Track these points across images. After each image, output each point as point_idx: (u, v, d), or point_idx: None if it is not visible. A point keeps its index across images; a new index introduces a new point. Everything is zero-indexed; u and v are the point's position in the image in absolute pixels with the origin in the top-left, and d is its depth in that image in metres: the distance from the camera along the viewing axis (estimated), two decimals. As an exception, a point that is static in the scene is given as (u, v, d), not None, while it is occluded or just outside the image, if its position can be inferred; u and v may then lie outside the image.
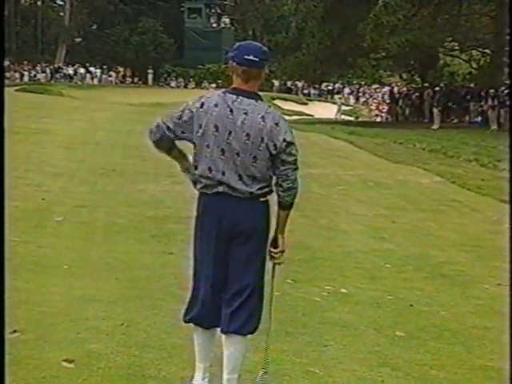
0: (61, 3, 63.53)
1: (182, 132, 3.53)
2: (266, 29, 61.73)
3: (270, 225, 3.69)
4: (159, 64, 57.58)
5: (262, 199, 3.58)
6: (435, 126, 27.44)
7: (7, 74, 50.83)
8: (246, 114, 3.46)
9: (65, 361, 3.97)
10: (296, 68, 34.74)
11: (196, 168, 3.58)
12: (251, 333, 3.64)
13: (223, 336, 3.62)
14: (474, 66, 34.89)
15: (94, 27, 63.33)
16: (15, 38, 59.00)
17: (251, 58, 3.44)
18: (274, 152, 3.49)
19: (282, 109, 45.27)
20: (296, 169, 3.63)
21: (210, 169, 3.50)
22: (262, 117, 3.46)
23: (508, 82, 25.99)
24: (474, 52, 34.62)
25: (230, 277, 3.57)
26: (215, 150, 3.47)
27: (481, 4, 29.54)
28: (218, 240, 3.55)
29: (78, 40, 63.02)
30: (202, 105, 3.50)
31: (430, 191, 11.94)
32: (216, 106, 3.47)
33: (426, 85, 33.15)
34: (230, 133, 3.45)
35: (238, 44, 3.57)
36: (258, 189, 3.53)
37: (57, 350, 4.12)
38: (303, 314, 5.17)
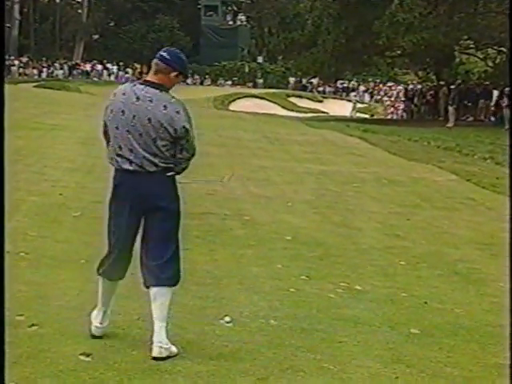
0: (79, 0, 63.74)
1: (104, 118, 4.19)
2: (282, 26, 61.37)
3: (178, 195, 4.26)
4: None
5: (168, 173, 4.11)
6: (450, 124, 27.29)
7: (26, 71, 51.20)
8: (150, 101, 4.01)
9: (82, 354, 3.99)
10: (311, 65, 34.61)
11: (109, 147, 4.16)
12: (175, 285, 4.16)
13: (152, 290, 4.09)
14: (490, 64, 34.64)
15: (112, 24, 63.50)
16: (34, 35, 59.32)
17: (164, 54, 4.11)
18: (174, 135, 4.02)
19: (298, 106, 45.40)
20: (189, 160, 4.22)
21: (120, 147, 4.05)
22: (165, 105, 4.01)
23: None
24: (489, 50, 34.35)
25: (151, 242, 4.12)
26: (123, 132, 4.03)
27: (497, 2, 29.28)
28: (130, 210, 4.06)
29: (96, 37, 63.23)
30: (115, 94, 4.13)
31: (444, 189, 11.89)
32: (124, 94, 4.08)
33: (441, 83, 32.97)
34: (134, 116, 4.00)
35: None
36: (163, 163, 4.05)
37: (74, 343, 4.14)
38: (318, 310, 5.16)
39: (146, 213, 4.10)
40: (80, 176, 10.36)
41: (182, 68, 4.14)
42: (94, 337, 4.26)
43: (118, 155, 4.06)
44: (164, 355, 4.00)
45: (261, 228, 7.98)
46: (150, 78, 4.13)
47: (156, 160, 4.02)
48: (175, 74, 4.10)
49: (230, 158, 14.07)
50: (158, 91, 4.03)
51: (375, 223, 8.76)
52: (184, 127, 4.03)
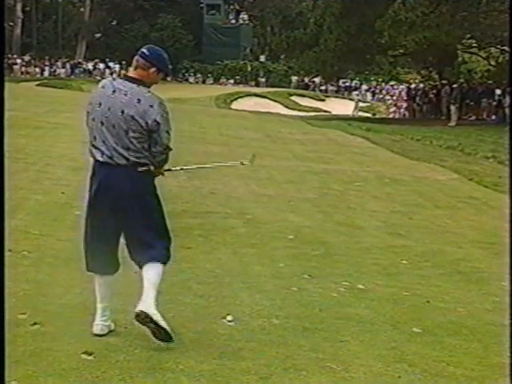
0: (81, -1, 63.77)
1: (87, 110, 4.30)
2: (285, 25, 61.61)
3: (154, 189, 4.25)
4: (178, 60, 57.50)
5: (140, 168, 4.14)
6: (452, 123, 27.27)
7: (28, 69, 51.23)
8: (125, 94, 4.12)
9: (84, 353, 3.99)
10: (313, 64, 34.59)
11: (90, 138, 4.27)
12: (165, 262, 4.23)
13: (144, 267, 4.19)
14: (493, 63, 34.59)
15: (114, 23, 63.45)
16: (36, 33, 59.34)
17: (144, 51, 4.20)
18: (145, 128, 4.10)
19: (300, 105, 45.37)
20: (163, 153, 4.24)
21: (94, 138, 4.18)
22: (139, 99, 4.10)
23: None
24: (492, 49, 34.31)
25: (133, 240, 4.23)
26: (98, 123, 4.15)
27: (500, 1, 29.25)
28: (103, 202, 4.15)
29: (98, 36, 63.20)
30: (97, 88, 4.27)
31: (447, 188, 11.88)
32: (103, 87, 4.21)
33: (443, 82, 32.90)
34: (109, 108, 4.12)
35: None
36: (135, 157, 4.12)
37: (76, 342, 4.14)
38: (320, 309, 5.15)
39: (120, 207, 4.15)
40: (82, 174, 10.27)
41: (161, 65, 4.22)
42: (95, 335, 4.27)
43: (93, 146, 4.19)
44: (147, 311, 4.05)
45: (263, 227, 7.97)
46: (130, 73, 4.26)
47: (126, 153, 4.10)
48: (153, 70, 4.19)
49: (232, 157, 14.05)
50: (135, 85, 4.15)
51: (377, 222, 8.76)
52: (155, 120, 4.11)
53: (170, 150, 4.30)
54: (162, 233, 4.29)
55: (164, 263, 4.24)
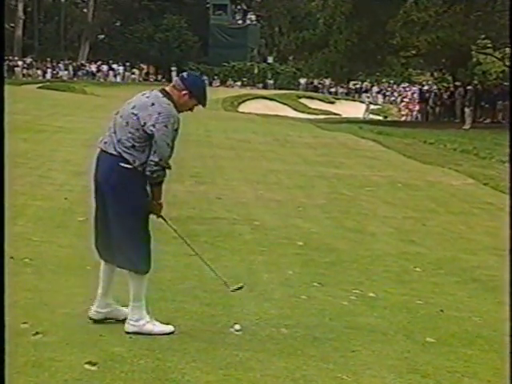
0: (84, 0, 63.99)
1: None
2: (293, 25, 61.62)
3: (134, 188, 4.38)
4: (183, 61, 57.72)
5: (126, 163, 4.33)
6: (467, 126, 27.22)
7: (30, 72, 51.41)
8: (147, 97, 4.45)
9: (88, 363, 3.99)
10: (323, 65, 34.64)
11: None
12: (137, 272, 4.45)
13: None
14: (508, 64, 34.52)
15: (118, 24, 63.69)
16: (38, 34, 59.58)
17: (184, 74, 4.63)
18: (140, 127, 4.33)
19: (309, 108, 45.40)
20: (157, 165, 4.36)
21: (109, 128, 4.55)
22: (153, 103, 4.38)
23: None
24: (507, 50, 34.23)
25: (109, 224, 4.44)
26: (117, 116, 4.50)
27: (515, 0, 29.20)
28: (96, 190, 4.50)
29: (102, 37, 63.45)
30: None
31: (461, 193, 11.86)
32: (141, 93, 4.56)
33: (457, 83, 32.87)
34: (128, 104, 4.49)
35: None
36: (121, 150, 4.34)
37: (80, 352, 4.14)
38: (330, 318, 5.15)
39: (102, 194, 4.44)
40: (86, 179, 10.29)
41: (194, 90, 4.48)
42: (92, 319, 4.61)
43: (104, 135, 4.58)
44: (130, 330, 4.44)
45: (271, 233, 7.97)
46: (167, 87, 4.58)
47: (117, 145, 4.36)
48: (185, 92, 4.46)
49: (239, 161, 14.08)
50: (161, 94, 4.46)
51: (389, 228, 8.74)
52: (153, 126, 4.32)
53: (168, 167, 4.44)
54: (132, 238, 4.42)
55: (136, 272, 4.45)
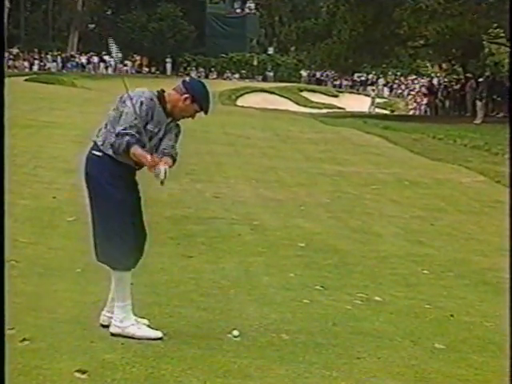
0: (73, -13, 63.95)
1: None
2: (294, 14, 61.67)
3: (110, 180, 4.42)
4: (178, 52, 57.72)
5: (95, 151, 4.45)
6: (478, 121, 27.23)
7: (16, 63, 51.38)
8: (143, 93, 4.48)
9: (77, 371, 4.00)
10: (326, 57, 34.61)
11: None
12: (115, 269, 4.51)
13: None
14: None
15: (109, 13, 63.62)
16: (24, 24, 59.44)
17: (187, 79, 4.73)
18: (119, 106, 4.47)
19: (311, 101, 45.40)
20: (118, 136, 4.36)
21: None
22: (138, 99, 4.40)
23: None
24: (521, 39, 34.26)
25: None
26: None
27: (530, -14, 29.21)
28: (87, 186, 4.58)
29: (92, 26, 63.37)
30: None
31: (471, 191, 11.87)
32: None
33: (468, 75, 32.88)
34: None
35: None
36: (100, 140, 4.44)
37: (69, 359, 4.15)
38: (334, 323, 5.16)
39: (88, 188, 4.56)
40: (75, 177, 10.32)
41: (197, 95, 4.50)
42: (102, 326, 4.65)
43: None
44: (113, 331, 4.51)
45: (271, 234, 7.98)
46: (167, 91, 4.60)
47: (99, 135, 4.48)
48: (187, 96, 4.47)
49: (237, 158, 14.09)
50: (157, 102, 4.49)
51: (396, 228, 8.75)
52: (124, 101, 4.42)
53: (123, 139, 4.33)
54: (110, 230, 4.47)
55: (114, 268, 4.52)
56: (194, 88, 4.51)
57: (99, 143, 4.45)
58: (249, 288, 5.89)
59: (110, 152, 4.39)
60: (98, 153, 4.44)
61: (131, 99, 4.35)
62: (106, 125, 4.49)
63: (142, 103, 4.37)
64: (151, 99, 4.43)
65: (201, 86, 4.59)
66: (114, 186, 4.43)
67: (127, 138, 4.30)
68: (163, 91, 4.54)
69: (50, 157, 12.13)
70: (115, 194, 4.43)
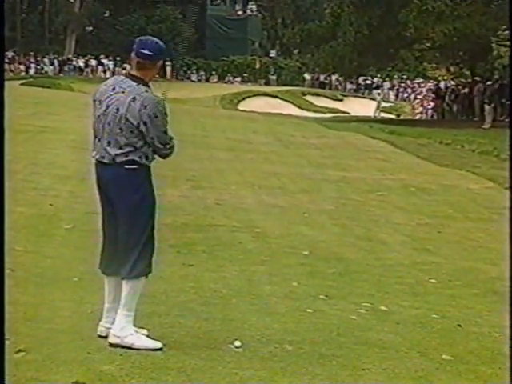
0: (71, -12, 64.11)
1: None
2: (298, 16, 61.75)
3: (142, 188, 4.54)
4: (178, 56, 57.72)
5: (126, 166, 4.47)
6: (486, 125, 27.22)
7: (12, 67, 51.46)
8: (123, 92, 4.46)
9: (74, 383, 4.00)
10: (330, 60, 34.62)
11: None
12: (136, 277, 4.54)
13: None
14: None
15: (107, 15, 63.69)
16: (20, 26, 59.57)
17: (145, 52, 4.47)
18: (137, 127, 4.43)
19: (315, 105, 45.43)
20: (166, 149, 4.62)
21: (95, 136, 4.60)
22: (134, 98, 4.42)
23: None
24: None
25: (118, 234, 4.58)
26: (97, 121, 4.56)
27: (539, -12, 29.23)
28: (101, 201, 4.68)
29: (90, 29, 63.46)
30: (100, 85, 4.69)
31: (480, 198, 11.87)
32: (105, 85, 4.61)
33: (476, 79, 32.88)
34: (107, 106, 4.49)
35: (138, 39, 4.61)
36: (122, 156, 4.46)
37: (66, 371, 4.15)
38: (338, 333, 5.15)
39: (109, 204, 4.60)
40: (72, 184, 10.39)
41: (166, 55, 4.68)
42: (100, 336, 4.65)
43: (94, 144, 4.66)
44: (112, 341, 4.51)
45: (274, 241, 7.98)
46: (133, 71, 4.58)
47: (115, 152, 4.47)
48: (159, 63, 4.61)
49: (239, 164, 14.09)
50: (135, 84, 4.49)
51: (402, 236, 8.75)
52: (145, 123, 4.44)
53: (172, 143, 4.63)
54: (137, 242, 4.54)
55: (134, 277, 4.55)
56: (161, 53, 4.57)
57: (123, 156, 4.47)
58: (251, 297, 5.89)
59: (145, 161, 4.52)
60: (131, 166, 4.49)
61: (156, 116, 4.46)
62: (109, 142, 4.49)
63: (162, 108, 4.51)
64: (150, 94, 4.51)
65: (162, 48, 4.61)
66: (150, 194, 4.60)
67: (173, 141, 4.63)
68: (133, 75, 4.56)
69: (46, 163, 12.13)
70: (152, 201, 4.61)
